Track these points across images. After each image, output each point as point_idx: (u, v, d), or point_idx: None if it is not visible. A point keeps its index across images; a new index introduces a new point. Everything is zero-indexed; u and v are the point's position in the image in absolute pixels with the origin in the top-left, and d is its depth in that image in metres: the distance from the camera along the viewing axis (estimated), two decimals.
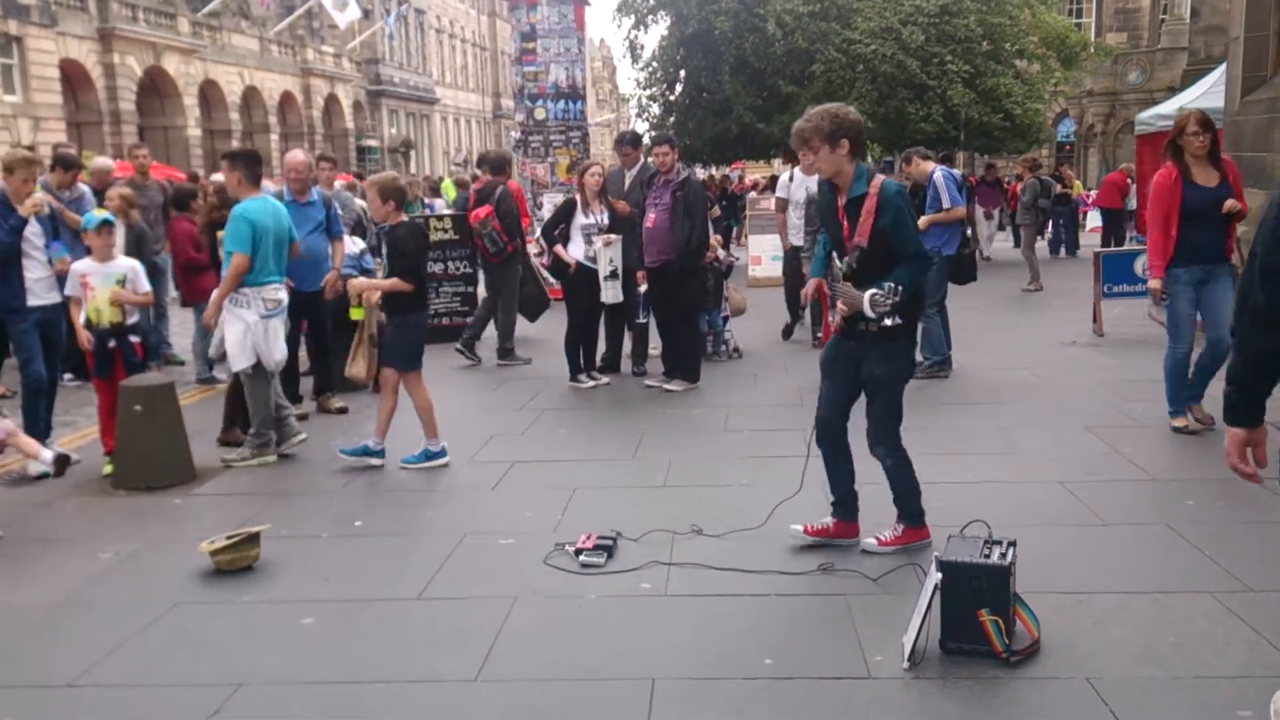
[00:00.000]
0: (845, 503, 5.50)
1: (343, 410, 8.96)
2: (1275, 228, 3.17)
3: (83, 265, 7.40)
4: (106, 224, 7.40)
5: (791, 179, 11.83)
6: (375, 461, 7.23)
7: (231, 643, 4.58)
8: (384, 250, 7.42)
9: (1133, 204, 21.88)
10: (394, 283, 7.12)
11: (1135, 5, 45.64)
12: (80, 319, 7.34)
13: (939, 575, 4.18)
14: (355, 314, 7.44)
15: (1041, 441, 7.40)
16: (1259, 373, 3.29)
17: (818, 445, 5.45)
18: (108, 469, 7.23)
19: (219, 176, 10.59)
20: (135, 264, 7.64)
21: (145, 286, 7.58)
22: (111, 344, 7.35)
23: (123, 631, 4.68)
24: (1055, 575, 4.91)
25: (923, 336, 9.97)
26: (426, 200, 20.34)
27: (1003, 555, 4.21)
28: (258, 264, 7.32)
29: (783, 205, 11.96)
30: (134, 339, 7.51)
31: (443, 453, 7.28)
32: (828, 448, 5.45)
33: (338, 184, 13.68)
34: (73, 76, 34.95)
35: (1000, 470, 6.81)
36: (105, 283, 7.32)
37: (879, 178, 5.12)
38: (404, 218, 7.34)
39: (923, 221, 10.19)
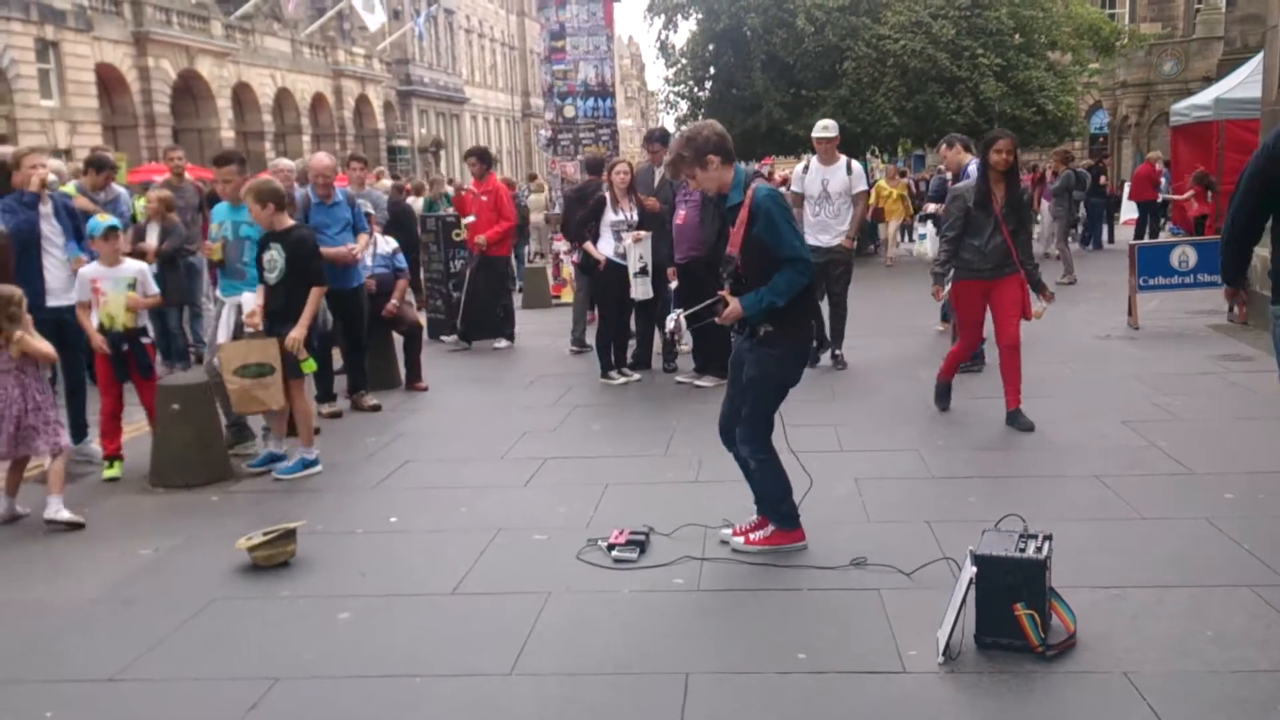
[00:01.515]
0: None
1: (376, 408, 9.01)
2: (1245, 187, 5.01)
3: (92, 270, 7.24)
4: (112, 230, 7.26)
5: (807, 170, 10.37)
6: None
7: (269, 638, 4.62)
8: (281, 256, 7.10)
9: (1166, 195, 21.66)
10: (314, 302, 7.06)
11: None
12: (93, 324, 7.20)
13: (974, 569, 4.16)
14: (307, 367, 7.27)
15: (1077, 435, 7.34)
16: (1238, 261, 5.25)
17: (724, 446, 5.56)
18: (110, 472, 7.23)
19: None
20: (143, 266, 7.58)
21: (153, 289, 7.51)
22: (124, 348, 7.27)
23: (162, 627, 4.73)
24: (1092, 569, 4.88)
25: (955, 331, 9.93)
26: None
27: (1038, 549, 4.18)
28: None
29: (798, 200, 10.19)
30: (145, 340, 7.48)
31: (317, 461, 7.21)
32: (729, 447, 5.53)
33: (385, 183, 13.80)
34: (108, 80, 35.26)
35: (1035, 464, 6.77)
36: (117, 287, 7.22)
37: (755, 184, 5.14)
38: (289, 221, 7.20)
39: None
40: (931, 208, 10.64)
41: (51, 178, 7.79)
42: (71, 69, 32.48)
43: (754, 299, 5.10)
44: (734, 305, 5.17)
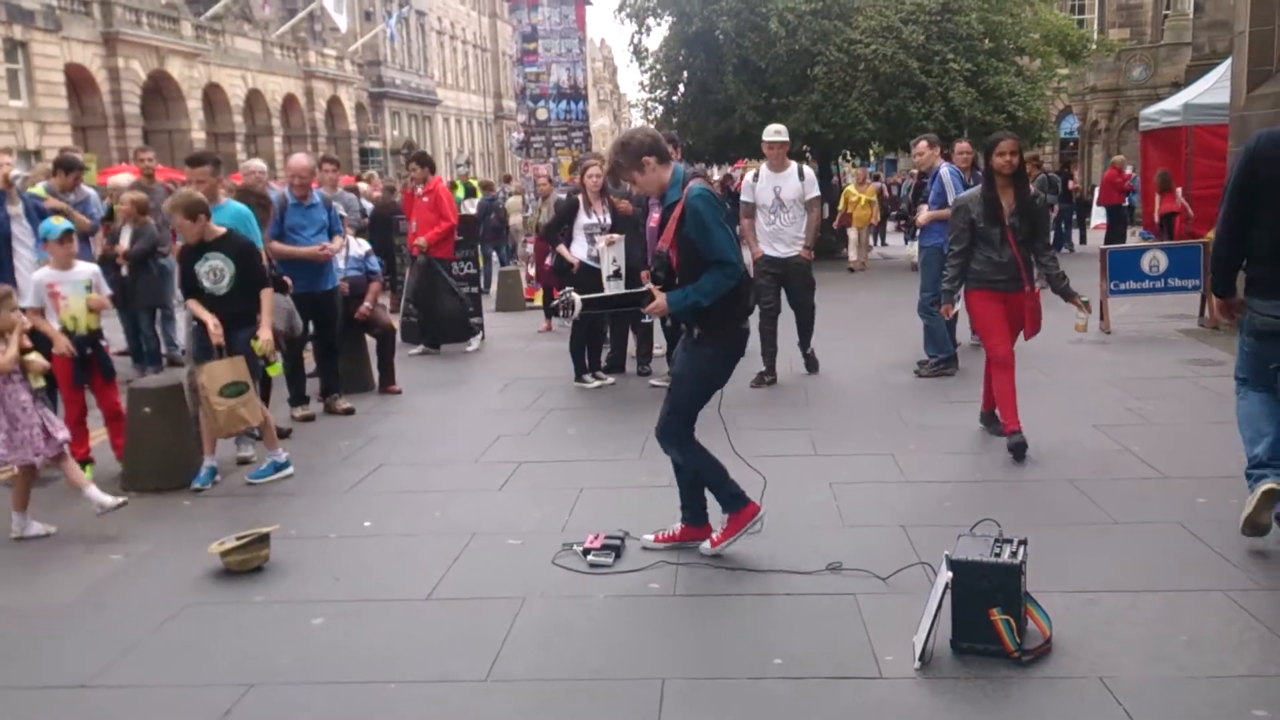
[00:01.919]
0: (689, 507, 5.56)
1: (349, 411, 8.95)
2: (1232, 187, 5.24)
3: (47, 275, 7.07)
4: (68, 233, 7.10)
5: (757, 179, 9.83)
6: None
7: (242, 643, 4.58)
8: (230, 265, 7.01)
9: (1135, 199, 21.85)
10: (270, 301, 7.04)
11: (1138, 1, 45.57)
12: (56, 328, 6.97)
13: (950, 574, 4.17)
14: (273, 370, 7.27)
15: (1050, 440, 7.37)
16: (1228, 268, 5.38)
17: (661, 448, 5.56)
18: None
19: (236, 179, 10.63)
20: (95, 268, 7.46)
21: (106, 289, 7.42)
22: (88, 351, 7.14)
23: (134, 632, 4.69)
24: (1066, 574, 4.91)
25: (927, 335, 9.96)
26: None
27: (1013, 554, 4.19)
28: None
29: (750, 210, 9.76)
30: (104, 343, 7.36)
31: (288, 463, 7.17)
32: (666, 450, 5.54)
33: (363, 186, 13.59)
34: (77, 81, 34.97)
35: (1010, 469, 6.79)
36: (76, 290, 7.07)
37: (691, 184, 5.17)
38: (220, 229, 7.08)
39: (925, 216, 10.17)
40: (924, 216, 10.29)
41: (15, 172, 7.67)
42: (40, 69, 32.18)
43: (680, 296, 5.15)
44: (660, 300, 5.22)
